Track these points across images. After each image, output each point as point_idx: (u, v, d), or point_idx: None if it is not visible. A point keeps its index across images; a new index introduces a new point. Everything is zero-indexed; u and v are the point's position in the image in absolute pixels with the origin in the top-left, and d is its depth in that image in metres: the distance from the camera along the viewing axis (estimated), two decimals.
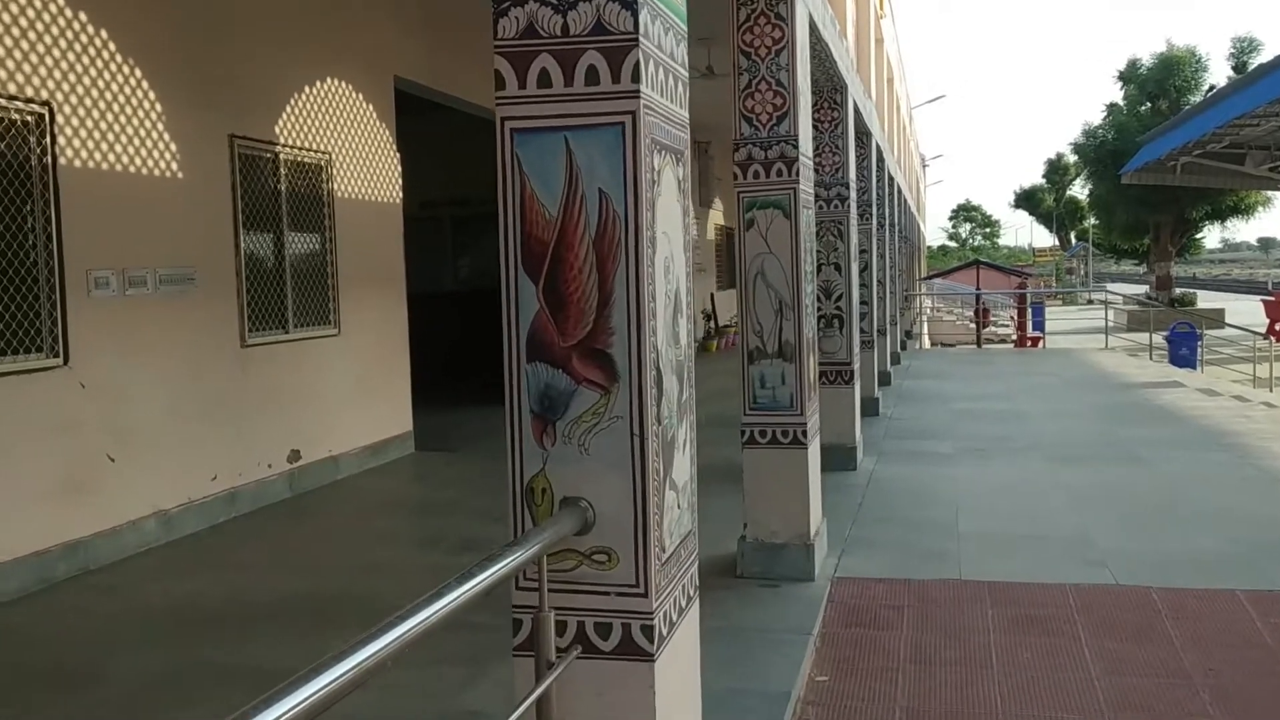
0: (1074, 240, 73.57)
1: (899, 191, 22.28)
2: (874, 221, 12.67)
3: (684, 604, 2.99)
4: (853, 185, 9.33)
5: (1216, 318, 31.71)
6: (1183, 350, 21.47)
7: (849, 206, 9.11)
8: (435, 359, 12.95)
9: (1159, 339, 21.94)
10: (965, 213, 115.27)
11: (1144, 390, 14.54)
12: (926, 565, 6.17)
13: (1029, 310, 29.86)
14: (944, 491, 8.05)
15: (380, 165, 9.89)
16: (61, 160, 6.33)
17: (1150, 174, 29.32)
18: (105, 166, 6.68)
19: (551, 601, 2.66)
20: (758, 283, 5.81)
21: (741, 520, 5.90)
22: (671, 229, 2.89)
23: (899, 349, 19.92)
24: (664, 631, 2.79)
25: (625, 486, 2.72)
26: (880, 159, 14.39)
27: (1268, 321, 29.12)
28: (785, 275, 5.79)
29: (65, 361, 6.34)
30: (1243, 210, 39.78)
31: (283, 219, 8.44)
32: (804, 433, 5.86)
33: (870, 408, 11.35)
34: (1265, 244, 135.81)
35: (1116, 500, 7.67)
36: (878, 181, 13.78)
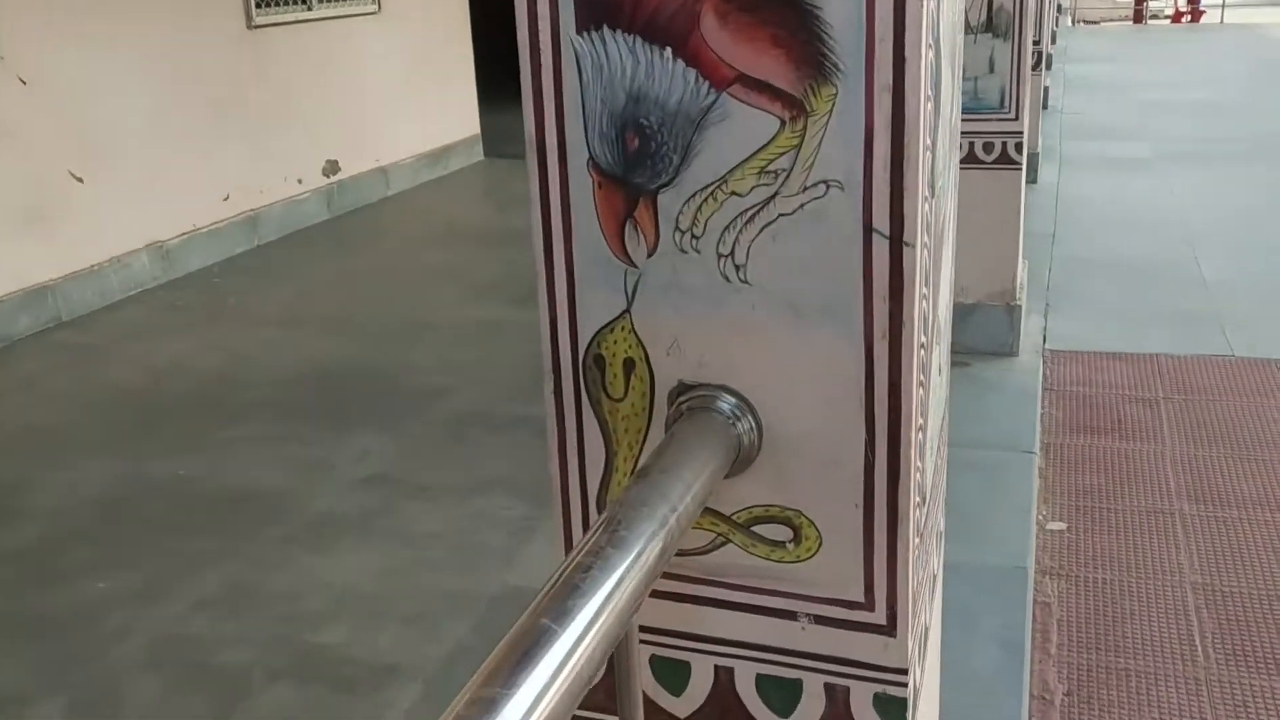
0: None
1: None
2: None
3: (929, 616, 1.36)
4: None
5: None
6: None
7: None
8: (508, 41, 10.93)
9: None
10: None
11: None
12: (1175, 332, 4.39)
13: None
14: (1164, 216, 6.10)
15: None
16: None
17: None
18: None
19: (649, 620, 1.06)
20: None
21: None
22: None
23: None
24: (915, 697, 1.16)
25: (847, 370, 1.02)
26: None
27: None
28: None
29: None
30: None
31: None
32: (1018, 146, 3.99)
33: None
34: None
35: None
36: None
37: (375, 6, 7.15)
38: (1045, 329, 4.44)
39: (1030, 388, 3.82)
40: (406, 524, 3.11)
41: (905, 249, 0.96)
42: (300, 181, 6.58)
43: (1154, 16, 24.71)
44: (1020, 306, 4.11)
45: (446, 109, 8.00)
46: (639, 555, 0.84)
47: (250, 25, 6.10)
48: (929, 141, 0.97)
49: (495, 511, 3.13)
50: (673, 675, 1.15)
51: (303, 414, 3.91)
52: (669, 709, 1.17)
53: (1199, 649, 2.64)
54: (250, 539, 3.07)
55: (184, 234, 5.72)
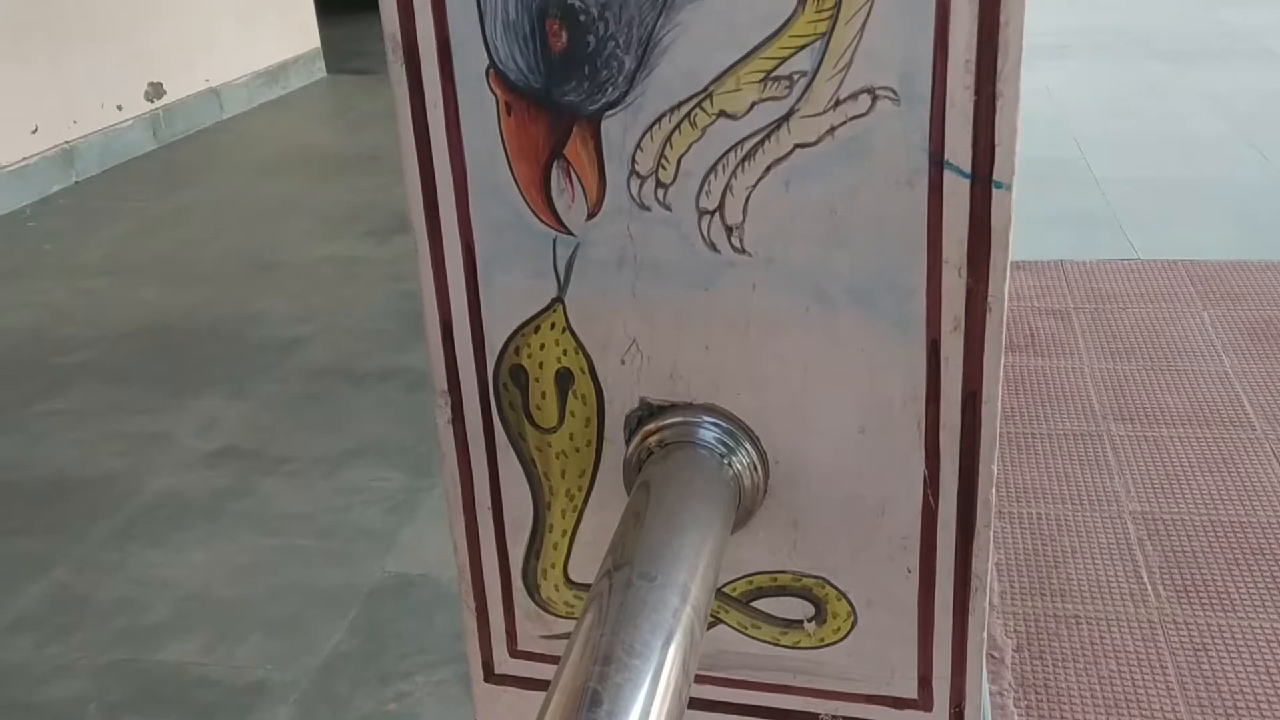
0: None
1: None
2: None
3: None
4: None
5: None
6: None
7: None
8: None
9: None
10: None
11: None
12: (1077, 235, 4.21)
13: None
14: (1043, 112, 5.93)
15: None
16: None
17: None
18: None
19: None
20: None
21: None
22: None
23: None
24: None
25: (899, 378, 0.67)
26: None
27: None
28: None
29: None
30: None
31: None
32: None
33: None
34: None
35: None
36: None
37: None
38: None
39: None
40: (264, 506, 2.70)
41: (995, 192, 0.62)
42: (120, 108, 5.89)
43: None
44: None
45: (280, 20, 7.31)
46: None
47: None
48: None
49: (368, 484, 2.74)
50: None
51: (135, 378, 3.42)
52: None
53: (1148, 587, 2.44)
54: (77, 537, 2.62)
55: None
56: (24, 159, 5.25)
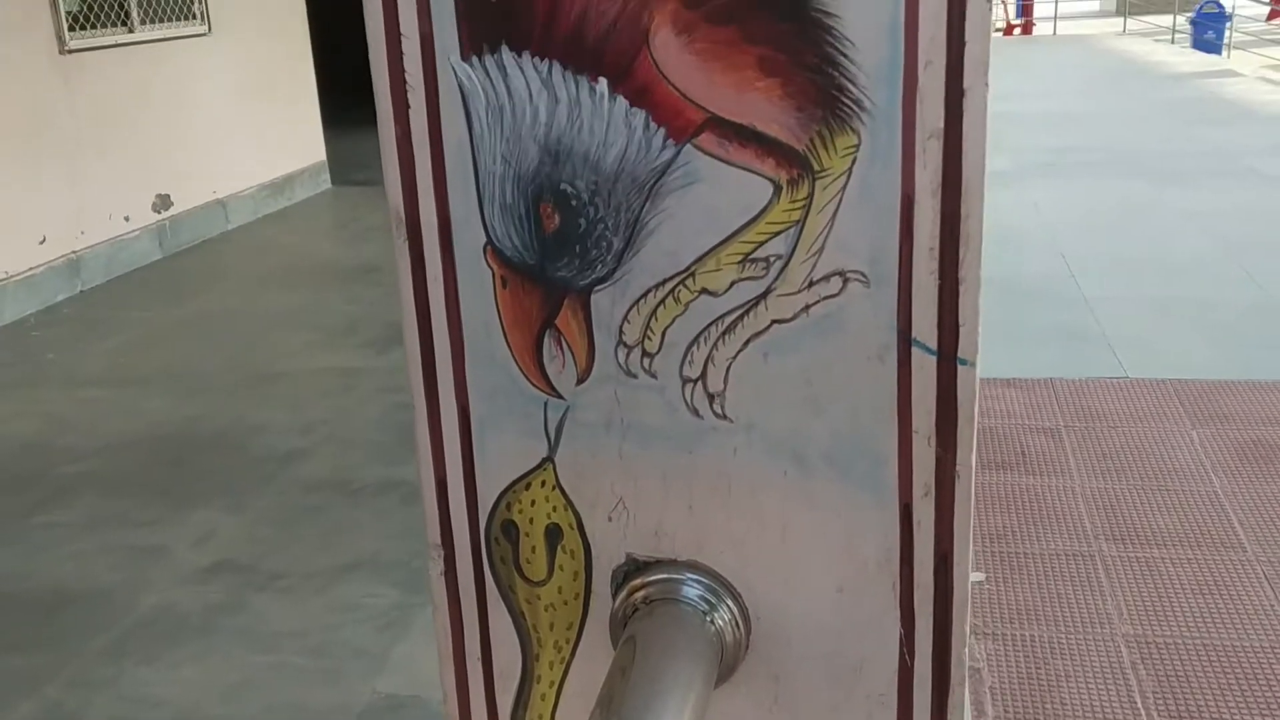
0: None
1: None
2: None
3: None
4: None
5: None
6: (1208, 34, 19.05)
7: None
8: (355, 61, 10.42)
9: (1182, 21, 19.46)
10: None
11: (1199, 81, 12.39)
12: (1066, 353, 4.27)
13: None
14: (1033, 231, 6.06)
15: None
16: None
17: None
18: None
19: None
20: None
21: None
22: None
23: None
24: None
25: (873, 540, 0.70)
26: None
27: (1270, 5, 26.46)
28: None
29: None
30: None
31: None
32: None
33: None
34: None
35: (1274, 237, 5.73)
36: None
37: (205, 27, 6.62)
38: None
39: None
40: (258, 622, 2.70)
41: (960, 368, 0.66)
42: (128, 219, 6.01)
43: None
44: None
45: (288, 134, 7.49)
46: None
47: (64, 49, 5.52)
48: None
49: (361, 601, 2.74)
50: None
51: (133, 490, 3.43)
52: None
53: (1143, 713, 2.43)
54: (71, 653, 2.61)
55: None
56: (31, 269, 5.34)
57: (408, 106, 0.68)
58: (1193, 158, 7.86)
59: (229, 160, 6.82)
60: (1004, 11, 27.62)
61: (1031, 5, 27.82)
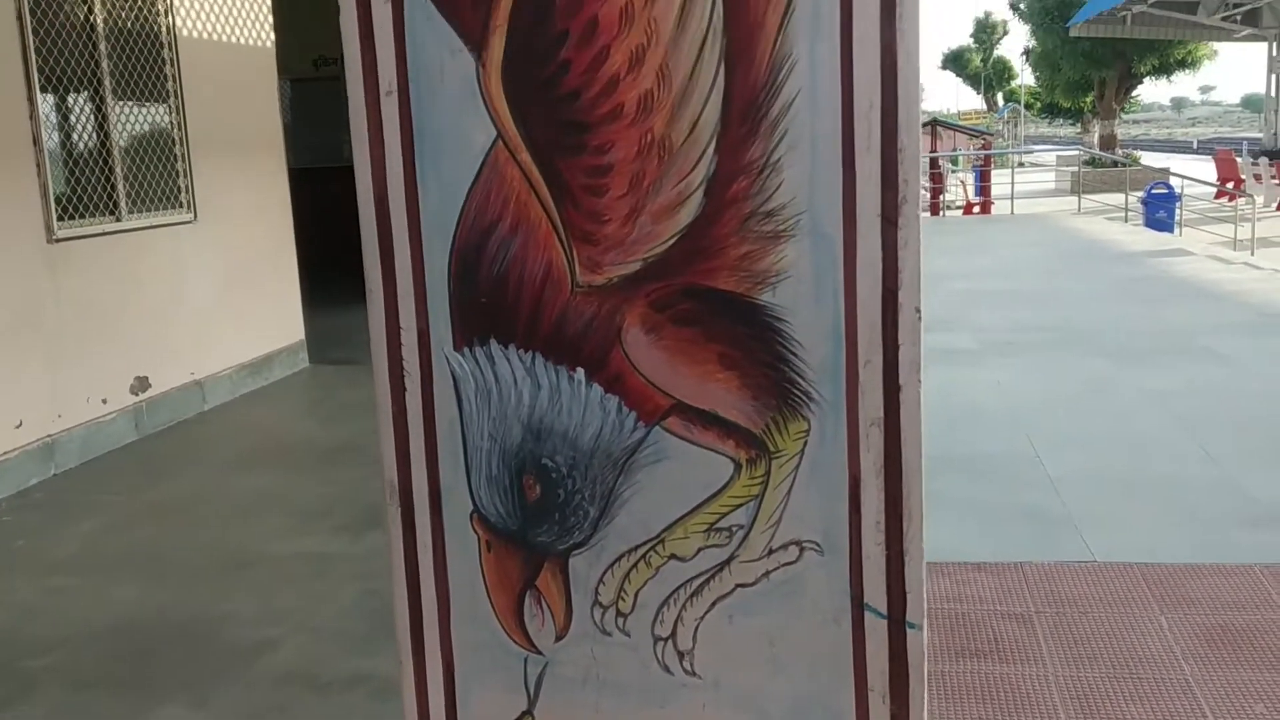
0: (1001, 102, 71.93)
1: None
2: None
3: None
4: None
5: (1162, 177, 30.38)
6: (1159, 213, 19.85)
7: None
8: (334, 243, 10.67)
9: (1134, 200, 20.29)
10: None
11: (1152, 260, 12.83)
12: (1033, 534, 4.32)
13: (974, 175, 28.01)
14: (997, 410, 6.19)
15: None
16: None
17: (1100, 25, 27.51)
18: None
19: None
20: None
21: None
22: None
23: None
24: None
25: None
26: None
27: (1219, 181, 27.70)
28: None
29: None
30: (1190, 63, 38.16)
31: (101, 65, 6.12)
32: None
33: None
34: (1178, 104, 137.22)
35: (1231, 416, 5.88)
36: None
37: (191, 215, 6.81)
38: None
39: None
40: None
41: (909, 632, 0.72)
42: (105, 401, 6.04)
43: (948, 208, 26.48)
44: None
45: (268, 316, 7.63)
46: None
47: (51, 239, 5.66)
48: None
49: None
50: None
51: (100, 684, 3.37)
52: None
53: None
54: None
55: None
56: (5, 454, 5.34)
57: (404, 390, 0.75)
58: (1149, 336, 8.10)
59: (208, 342, 6.92)
60: (963, 192, 28.79)
61: (989, 186, 28.99)
